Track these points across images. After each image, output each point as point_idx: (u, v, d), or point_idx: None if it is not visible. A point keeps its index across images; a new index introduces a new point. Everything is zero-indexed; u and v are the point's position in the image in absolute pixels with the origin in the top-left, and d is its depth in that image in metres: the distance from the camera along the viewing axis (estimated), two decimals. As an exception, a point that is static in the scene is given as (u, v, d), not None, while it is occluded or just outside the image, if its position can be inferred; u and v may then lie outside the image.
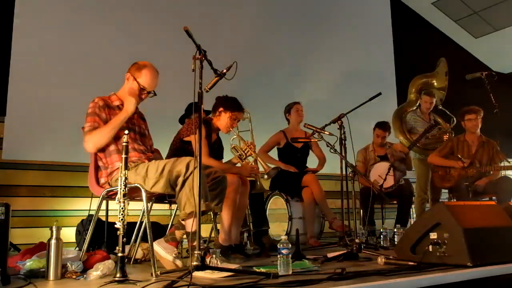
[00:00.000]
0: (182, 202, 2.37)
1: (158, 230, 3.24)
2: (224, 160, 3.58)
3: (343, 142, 3.41)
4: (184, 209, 2.36)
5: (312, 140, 3.88)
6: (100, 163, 2.66)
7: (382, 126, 4.87)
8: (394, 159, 4.77)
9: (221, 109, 3.34)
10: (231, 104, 3.33)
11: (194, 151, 2.46)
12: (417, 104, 5.33)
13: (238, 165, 3.40)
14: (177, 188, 2.39)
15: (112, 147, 2.60)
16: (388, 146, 4.93)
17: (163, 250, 2.42)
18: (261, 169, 3.43)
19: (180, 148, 3.24)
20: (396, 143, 5.05)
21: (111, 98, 2.74)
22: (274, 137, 4.56)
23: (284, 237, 2.25)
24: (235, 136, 3.42)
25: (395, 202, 4.76)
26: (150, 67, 2.72)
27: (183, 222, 2.47)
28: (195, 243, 2.12)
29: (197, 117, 2.18)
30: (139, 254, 2.88)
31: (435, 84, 5.40)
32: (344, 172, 3.38)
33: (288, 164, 4.39)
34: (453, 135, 4.98)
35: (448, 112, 5.00)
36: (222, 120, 3.34)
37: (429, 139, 5.09)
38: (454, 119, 4.96)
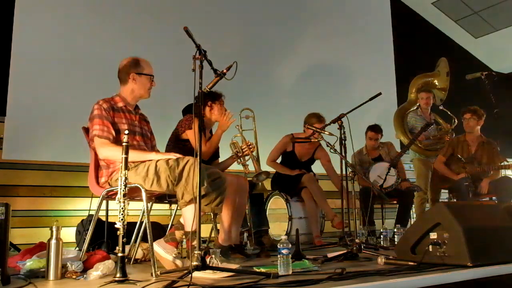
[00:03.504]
0: (179, 193, 2.40)
1: (158, 230, 3.24)
2: (220, 159, 3.60)
3: (343, 142, 3.41)
4: (182, 198, 2.38)
5: (312, 139, 3.86)
6: (102, 162, 2.66)
7: (374, 129, 4.82)
8: (390, 157, 4.77)
9: (209, 102, 3.40)
10: (214, 95, 3.42)
11: (194, 144, 2.47)
12: (417, 104, 5.31)
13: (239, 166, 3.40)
14: (175, 183, 2.41)
15: None
16: (380, 147, 4.93)
17: (162, 251, 2.42)
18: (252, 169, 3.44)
19: (177, 147, 3.25)
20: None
21: (115, 99, 2.74)
22: (282, 141, 4.41)
23: (284, 237, 2.25)
24: (239, 135, 3.47)
25: (395, 202, 4.76)
26: (142, 59, 2.79)
27: (182, 221, 2.48)
28: (194, 243, 2.14)
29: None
30: (139, 254, 2.88)
31: (436, 84, 5.38)
32: (344, 172, 3.38)
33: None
34: (454, 136, 4.98)
35: (449, 113, 4.97)
36: (215, 110, 3.43)
37: (430, 140, 5.08)
38: (455, 119, 4.95)
